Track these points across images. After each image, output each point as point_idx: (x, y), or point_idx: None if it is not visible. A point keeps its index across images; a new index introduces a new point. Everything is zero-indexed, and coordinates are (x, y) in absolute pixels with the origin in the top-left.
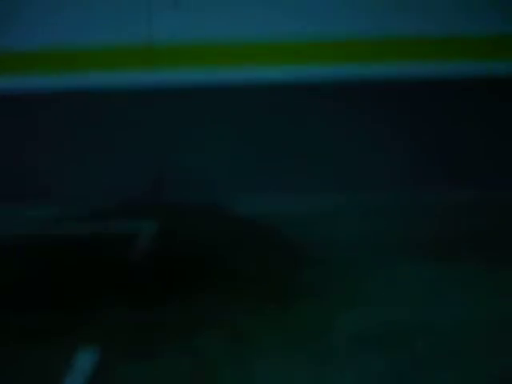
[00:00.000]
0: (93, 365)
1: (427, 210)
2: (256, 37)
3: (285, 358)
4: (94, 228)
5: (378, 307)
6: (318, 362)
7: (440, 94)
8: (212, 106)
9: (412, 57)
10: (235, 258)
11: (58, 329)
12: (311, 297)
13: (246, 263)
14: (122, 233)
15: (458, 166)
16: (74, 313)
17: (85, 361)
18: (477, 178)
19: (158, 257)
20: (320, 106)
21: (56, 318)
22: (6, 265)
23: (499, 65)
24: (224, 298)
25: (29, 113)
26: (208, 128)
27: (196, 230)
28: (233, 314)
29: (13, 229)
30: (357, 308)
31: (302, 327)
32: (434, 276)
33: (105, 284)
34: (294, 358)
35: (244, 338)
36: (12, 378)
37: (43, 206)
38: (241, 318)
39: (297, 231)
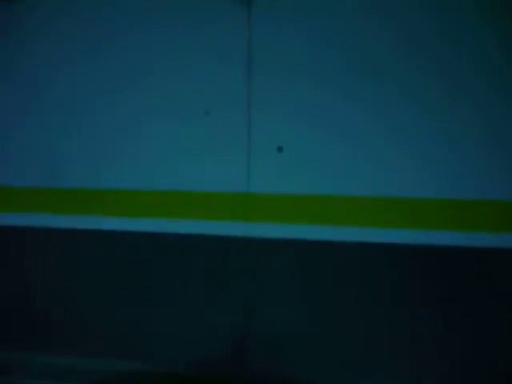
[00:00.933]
0: None
1: None
2: (365, 192)
3: None
4: None
5: None
6: None
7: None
8: (314, 261)
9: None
10: None
11: None
12: None
13: None
14: None
15: None
16: None
17: None
18: None
19: None
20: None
21: None
22: None
23: None
24: None
25: (108, 252)
26: (302, 287)
27: None
28: None
29: None
30: None
31: None
32: None
33: None
34: None
35: None
36: None
37: (108, 359)
38: None
39: None
